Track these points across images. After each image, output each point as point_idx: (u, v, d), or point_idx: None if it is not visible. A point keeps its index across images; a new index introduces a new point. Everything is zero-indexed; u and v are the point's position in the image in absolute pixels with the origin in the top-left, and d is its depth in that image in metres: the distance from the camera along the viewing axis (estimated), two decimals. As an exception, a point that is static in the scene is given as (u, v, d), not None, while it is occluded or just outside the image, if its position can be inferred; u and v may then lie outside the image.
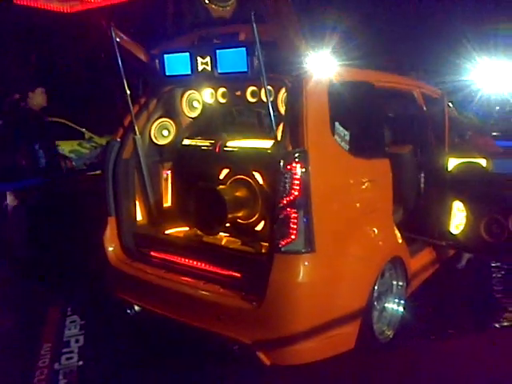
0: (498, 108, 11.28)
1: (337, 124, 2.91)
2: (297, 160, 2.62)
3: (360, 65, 3.65)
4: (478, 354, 3.21)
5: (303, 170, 2.62)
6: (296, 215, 2.62)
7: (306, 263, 2.66)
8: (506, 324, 3.65)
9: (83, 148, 11.37)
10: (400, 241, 3.39)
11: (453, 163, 3.74)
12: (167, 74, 3.23)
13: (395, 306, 3.37)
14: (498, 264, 4.62)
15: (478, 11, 16.36)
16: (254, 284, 2.78)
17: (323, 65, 2.88)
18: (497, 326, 3.63)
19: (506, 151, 3.87)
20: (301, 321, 2.71)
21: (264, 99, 3.50)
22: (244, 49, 2.81)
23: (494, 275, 4.51)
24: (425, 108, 4.00)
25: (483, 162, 3.69)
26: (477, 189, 3.57)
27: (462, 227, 3.66)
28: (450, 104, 4.42)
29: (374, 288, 3.03)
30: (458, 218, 3.68)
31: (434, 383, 2.90)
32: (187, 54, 3.08)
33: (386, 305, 3.33)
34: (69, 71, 14.64)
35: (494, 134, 4.86)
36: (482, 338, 3.45)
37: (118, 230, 3.49)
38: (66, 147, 11.05)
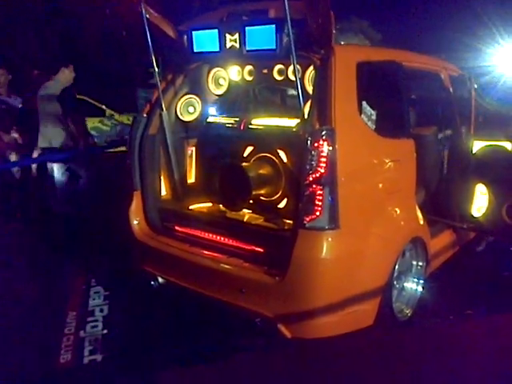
0: None
1: (364, 103, 2.91)
2: (324, 138, 2.64)
3: (388, 44, 3.62)
4: (495, 334, 3.23)
5: (330, 147, 2.64)
6: (321, 192, 2.65)
7: (330, 240, 2.70)
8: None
9: (104, 125, 11.46)
10: (421, 222, 3.40)
11: (478, 146, 3.72)
12: (195, 50, 3.25)
13: (414, 286, 3.41)
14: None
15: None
16: (277, 259, 2.83)
17: (352, 43, 2.86)
18: (514, 308, 3.65)
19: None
20: (322, 296, 2.76)
21: (291, 77, 3.51)
22: (273, 26, 2.81)
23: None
24: (451, 90, 3.97)
25: (508, 145, 3.67)
26: (500, 172, 3.55)
27: (483, 210, 3.66)
28: (476, 86, 4.36)
29: (394, 267, 3.07)
30: (480, 201, 3.68)
31: (451, 363, 2.94)
32: (216, 30, 3.09)
33: (406, 284, 3.37)
34: (89, 48, 14.67)
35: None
36: (500, 320, 3.47)
37: (143, 204, 3.56)
38: (87, 124, 11.16)
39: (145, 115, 3.56)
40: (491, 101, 5.00)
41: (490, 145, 3.71)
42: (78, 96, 10.87)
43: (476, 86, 4.46)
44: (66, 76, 5.30)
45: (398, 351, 3.05)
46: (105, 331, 3.36)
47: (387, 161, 3.05)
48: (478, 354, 2.99)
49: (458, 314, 3.51)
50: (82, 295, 3.90)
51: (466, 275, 4.07)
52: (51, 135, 5.25)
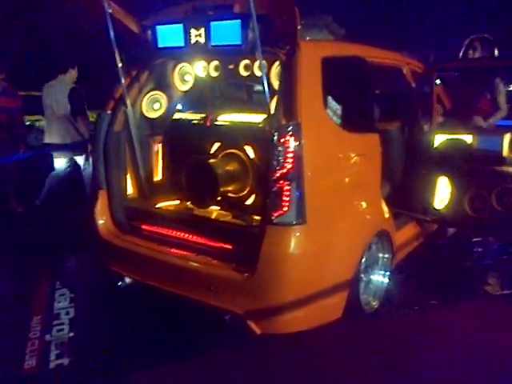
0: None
1: (329, 98, 2.94)
2: (290, 133, 2.65)
3: (353, 39, 3.66)
4: (459, 323, 3.34)
5: (296, 143, 2.65)
6: (289, 188, 2.66)
7: (298, 235, 2.71)
8: (483, 295, 3.79)
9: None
10: (387, 215, 3.47)
11: (439, 139, 3.81)
12: (160, 45, 3.20)
13: (381, 278, 3.47)
14: (480, 238, 4.77)
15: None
16: (246, 255, 2.83)
17: (317, 39, 2.88)
18: (476, 296, 3.77)
19: (490, 129, 3.96)
20: (291, 291, 2.77)
21: (257, 73, 3.51)
22: (239, 21, 2.79)
23: (475, 249, 4.66)
24: (414, 85, 4.05)
25: (469, 138, 3.77)
26: (461, 165, 3.66)
27: (446, 202, 3.76)
28: (438, 81, 4.47)
29: (361, 260, 3.11)
30: (442, 194, 3.77)
31: (417, 351, 3.02)
32: (180, 25, 3.05)
33: (372, 276, 3.43)
34: (51, 44, 14.26)
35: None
36: (463, 309, 3.58)
37: (108, 203, 3.49)
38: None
39: (109, 112, 3.49)
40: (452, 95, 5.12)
41: (451, 138, 3.80)
42: (36, 93, 10.60)
43: (438, 81, 4.57)
44: (71, 76, 5.67)
45: (365, 342, 3.11)
46: (71, 334, 3.28)
47: (353, 155, 3.09)
48: (443, 342, 3.08)
49: (423, 304, 3.59)
50: (46, 298, 3.80)
51: (431, 266, 4.19)
52: (59, 132, 5.56)
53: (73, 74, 5.68)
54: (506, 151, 3.70)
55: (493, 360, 2.88)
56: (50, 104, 5.57)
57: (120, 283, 3.44)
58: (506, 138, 3.69)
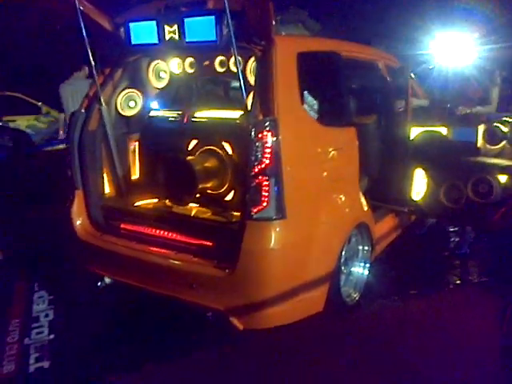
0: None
1: (306, 93, 2.95)
2: (268, 129, 2.65)
3: (328, 35, 3.68)
4: (437, 311, 3.40)
5: (274, 138, 2.65)
6: (267, 183, 2.67)
7: (278, 230, 2.72)
8: (461, 284, 3.86)
9: (40, 123, 11.00)
10: (365, 208, 3.50)
11: (415, 132, 3.86)
12: (133, 42, 3.17)
13: (361, 270, 3.51)
14: (456, 228, 4.86)
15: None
16: (226, 252, 2.82)
17: (292, 34, 2.88)
18: (454, 286, 3.85)
19: (464, 120, 4.03)
20: (272, 286, 2.78)
21: (233, 69, 3.50)
22: (213, 17, 2.78)
23: (452, 239, 4.75)
24: (389, 78, 4.09)
25: (443, 130, 3.83)
26: (437, 156, 3.71)
27: (422, 194, 3.81)
28: (413, 75, 4.53)
29: (341, 253, 3.14)
30: (419, 185, 3.83)
31: (397, 341, 3.07)
32: (153, 22, 3.02)
33: (353, 269, 3.46)
34: (22, 43, 13.96)
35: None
36: (441, 298, 3.65)
37: (85, 203, 3.45)
38: (22, 122, 10.69)
39: (83, 110, 3.44)
40: (427, 88, 5.20)
41: (427, 131, 3.86)
42: (9, 93, 10.39)
43: (413, 75, 4.62)
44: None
45: (347, 334, 3.15)
46: (51, 336, 3.24)
47: (330, 149, 3.11)
48: (422, 332, 3.14)
49: (403, 294, 3.64)
50: (24, 301, 3.74)
51: (409, 257, 4.25)
52: None
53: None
54: (480, 142, 3.78)
55: (470, 348, 2.94)
56: (69, 101, 5.76)
57: (99, 284, 3.41)
58: (480, 128, 3.76)
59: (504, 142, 3.75)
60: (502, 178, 3.50)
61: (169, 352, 3.01)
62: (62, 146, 5.61)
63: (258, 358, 2.94)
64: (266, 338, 2.97)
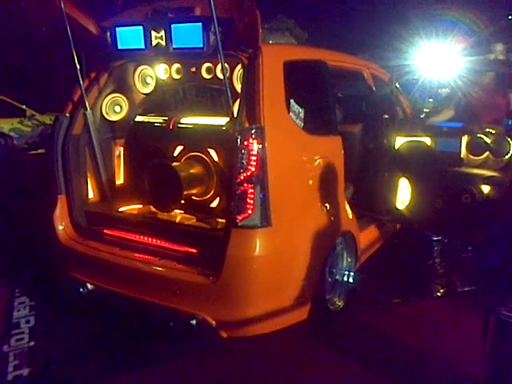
0: (443, 90, 11.46)
1: (292, 101, 2.95)
2: (253, 136, 2.65)
3: (314, 44, 3.70)
4: (420, 321, 3.42)
5: (260, 146, 2.66)
6: (253, 191, 2.66)
7: (262, 238, 2.71)
8: (445, 293, 3.89)
9: (24, 126, 10.88)
10: (351, 216, 3.52)
11: (399, 142, 3.90)
12: (119, 47, 3.14)
13: (345, 278, 3.51)
14: (439, 237, 4.90)
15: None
16: (211, 259, 2.81)
17: (279, 42, 2.89)
18: (437, 294, 3.87)
19: (448, 131, 4.08)
20: (256, 294, 2.77)
21: (219, 76, 3.50)
22: (200, 24, 2.78)
23: (435, 248, 4.79)
24: (374, 88, 4.12)
25: (428, 140, 3.88)
26: (421, 166, 3.75)
27: (407, 203, 3.85)
28: (398, 85, 4.57)
29: (326, 261, 3.15)
30: (403, 195, 3.86)
31: (380, 349, 3.08)
32: (140, 27, 3.01)
33: (337, 277, 3.46)
34: (8, 46, 13.82)
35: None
36: (424, 307, 3.67)
37: (68, 208, 3.41)
38: (5, 125, 10.57)
39: (67, 114, 3.41)
40: (412, 98, 5.26)
41: (411, 140, 3.90)
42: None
43: (398, 85, 4.67)
44: None
45: (330, 342, 3.15)
46: (31, 343, 3.18)
47: (316, 158, 3.12)
48: (407, 340, 3.15)
49: (387, 303, 3.66)
50: (5, 307, 3.67)
51: (393, 265, 4.27)
52: None
53: None
54: (463, 153, 3.83)
55: (451, 359, 2.95)
56: None
57: (81, 290, 3.35)
58: (464, 139, 3.81)
59: (487, 153, 3.81)
60: (485, 188, 3.55)
61: (151, 360, 2.97)
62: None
63: (243, 364, 2.93)
64: (252, 344, 2.95)
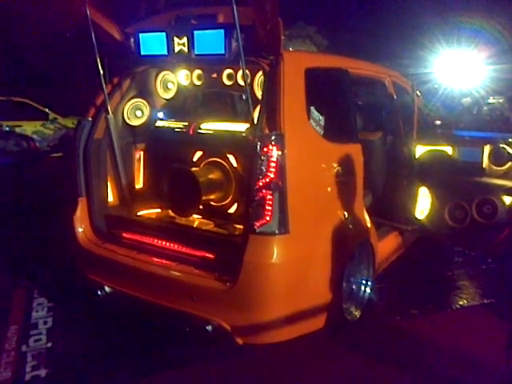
0: (465, 100, 11.32)
1: (312, 109, 2.95)
2: (273, 143, 2.65)
3: (335, 51, 3.70)
4: (438, 332, 3.36)
5: (279, 152, 2.65)
6: (271, 197, 2.66)
7: (280, 245, 2.70)
8: (464, 305, 3.82)
9: (47, 129, 11.07)
10: (369, 225, 3.48)
11: (420, 151, 3.86)
12: (142, 53, 3.19)
13: (363, 287, 3.48)
14: (460, 248, 4.82)
15: (441, 3, 16.72)
16: (228, 265, 2.80)
17: (300, 49, 2.89)
18: (457, 306, 3.80)
19: (470, 140, 4.02)
20: (273, 301, 2.76)
21: (240, 82, 3.52)
22: (222, 31, 2.80)
23: (455, 259, 4.71)
24: (395, 96, 4.09)
25: (449, 150, 3.83)
26: (442, 175, 3.70)
27: (426, 213, 3.79)
28: (419, 93, 4.53)
29: (343, 269, 3.12)
30: (423, 204, 3.81)
31: (397, 360, 3.03)
32: (163, 33, 3.04)
33: (355, 286, 3.43)
34: (32, 50, 14.11)
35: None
36: (443, 318, 3.61)
37: (88, 211, 3.44)
38: (28, 128, 10.76)
39: (90, 118, 3.45)
40: (433, 107, 5.20)
41: (432, 149, 3.85)
42: (17, 99, 10.49)
43: (419, 93, 4.63)
44: None
45: (347, 352, 3.12)
46: (49, 344, 3.22)
47: (335, 165, 3.10)
48: (424, 352, 3.10)
49: (405, 314, 3.60)
50: (24, 308, 3.72)
51: (412, 276, 4.21)
52: None
53: None
54: (485, 162, 3.76)
55: (471, 371, 2.90)
56: None
57: (99, 292, 3.37)
58: (486, 149, 3.75)
59: (510, 163, 3.74)
60: (507, 200, 3.48)
61: (167, 364, 2.98)
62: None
63: (257, 372, 2.91)
64: (265, 353, 2.94)
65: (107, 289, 3.34)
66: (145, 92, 3.70)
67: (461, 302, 3.86)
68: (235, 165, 3.28)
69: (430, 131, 4.30)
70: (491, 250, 4.02)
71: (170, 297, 2.96)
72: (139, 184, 3.82)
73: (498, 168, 3.78)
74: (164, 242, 3.21)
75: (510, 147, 3.78)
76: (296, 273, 2.82)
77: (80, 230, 3.42)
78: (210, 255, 2.98)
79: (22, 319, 3.54)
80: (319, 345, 3.08)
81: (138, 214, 3.52)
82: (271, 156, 2.65)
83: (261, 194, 2.67)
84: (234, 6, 2.52)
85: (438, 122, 4.60)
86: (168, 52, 3.06)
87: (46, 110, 11.37)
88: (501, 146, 3.77)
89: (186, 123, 3.60)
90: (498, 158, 3.77)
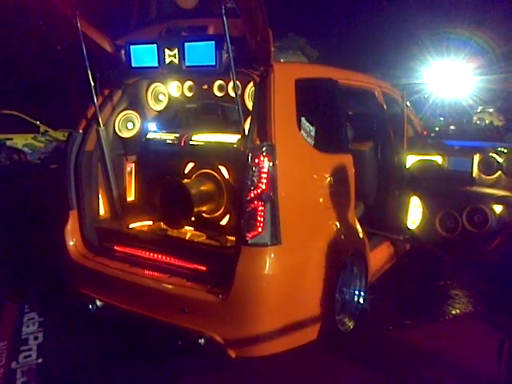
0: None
1: (303, 119, 2.96)
2: (264, 154, 2.65)
3: (325, 62, 3.72)
4: (432, 342, 3.35)
5: (270, 163, 2.66)
6: (263, 208, 2.66)
7: (272, 256, 2.69)
8: (457, 314, 3.82)
9: (38, 142, 11.03)
10: (361, 235, 3.49)
11: (411, 160, 3.88)
12: (133, 65, 3.19)
13: (356, 298, 3.47)
14: (452, 257, 4.82)
15: (431, 15, 16.96)
16: (220, 277, 2.79)
17: (290, 60, 2.91)
18: (450, 316, 3.80)
19: (460, 150, 4.06)
20: (266, 313, 2.74)
21: (231, 94, 3.53)
22: (213, 42, 2.81)
23: (446, 268, 4.72)
24: (385, 106, 4.12)
25: (439, 159, 3.85)
26: (433, 185, 3.72)
27: (418, 222, 3.81)
28: (408, 104, 4.57)
29: (336, 280, 3.11)
30: (414, 214, 3.82)
31: (390, 370, 3.02)
32: (154, 45, 3.05)
33: (347, 297, 3.42)
34: (23, 63, 14.09)
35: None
36: (436, 328, 3.60)
37: (79, 224, 3.42)
38: (19, 141, 10.72)
39: (81, 131, 3.44)
40: (423, 116, 5.25)
41: (423, 159, 3.88)
42: (7, 112, 10.46)
43: (408, 104, 4.67)
44: None
45: (341, 363, 3.10)
46: (39, 360, 3.16)
47: (326, 176, 3.11)
48: (418, 362, 3.09)
49: (397, 324, 3.60)
50: (14, 323, 3.66)
51: (405, 286, 4.21)
52: None
53: None
54: (475, 172, 3.79)
55: (464, 380, 2.89)
56: None
57: (91, 306, 3.34)
58: (476, 158, 3.78)
59: (499, 173, 3.77)
60: (497, 208, 3.50)
61: (159, 378, 2.94)
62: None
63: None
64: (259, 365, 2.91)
65: (98, 303, 3.30)
66: (136, 104, 3.70)
67: (453, 312, 3.86)
68: (227, 176, 3.28)
69: (421, 141, 4.33)
70: (483, 259, 4.03)
71: (162, 310, 2.94)
72: (131, 196, 3.80)
73: (488, 177, 3.81)
74: (156, 255, 3.19)
75: (499, 156, 3.81)
76: (289, 284, 2.81)
77: (71, 242, 3.39)
78: (203, 267, 2.97)
79: (13, 334, 3.48)
80: (312, 356, 3.06)
81: (130, 226, 3.50)
82: (262, 167, 2.65)
83: (252, 205, 2.67)
84: (225, 18, 2.54)
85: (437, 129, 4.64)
86: (159, 64, 3.07)
87: (37, 122, 11.34)
88: (490, 155, 3.81)
89: (178, 135, 3.60)
90: (487, 167, 3.80)
